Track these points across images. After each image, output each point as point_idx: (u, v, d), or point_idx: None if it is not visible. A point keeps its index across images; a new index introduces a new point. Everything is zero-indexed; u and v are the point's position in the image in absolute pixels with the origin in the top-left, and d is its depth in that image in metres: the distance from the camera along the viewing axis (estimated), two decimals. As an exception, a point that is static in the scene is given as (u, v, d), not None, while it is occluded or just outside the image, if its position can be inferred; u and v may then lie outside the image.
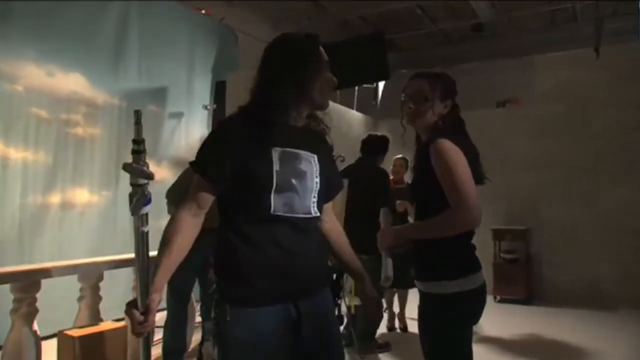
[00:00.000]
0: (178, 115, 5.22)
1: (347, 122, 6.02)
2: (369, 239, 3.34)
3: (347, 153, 3.50)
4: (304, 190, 1.39)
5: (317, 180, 1.42)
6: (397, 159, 4.39)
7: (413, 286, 3.49)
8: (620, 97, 5.40)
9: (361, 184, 3.42)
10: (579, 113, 5.63)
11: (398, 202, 3.93)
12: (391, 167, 4.31)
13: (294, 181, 1.36)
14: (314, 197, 1.41)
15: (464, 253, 1.59)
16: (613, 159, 5.38)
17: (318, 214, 1.43)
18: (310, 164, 1.42)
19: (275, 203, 1.34)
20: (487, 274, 2.03)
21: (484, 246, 1.66)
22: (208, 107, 5.44)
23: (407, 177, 4.34)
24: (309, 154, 1.43)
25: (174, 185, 3.12)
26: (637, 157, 5.24)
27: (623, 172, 5.32)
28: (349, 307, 3.38)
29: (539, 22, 7.28)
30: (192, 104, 5.37)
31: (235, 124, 1.42)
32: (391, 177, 4.10)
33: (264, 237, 1.36)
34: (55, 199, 4.07)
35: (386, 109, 6.63)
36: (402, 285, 4.13)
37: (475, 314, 1.61)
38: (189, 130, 5.31)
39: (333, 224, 1.62)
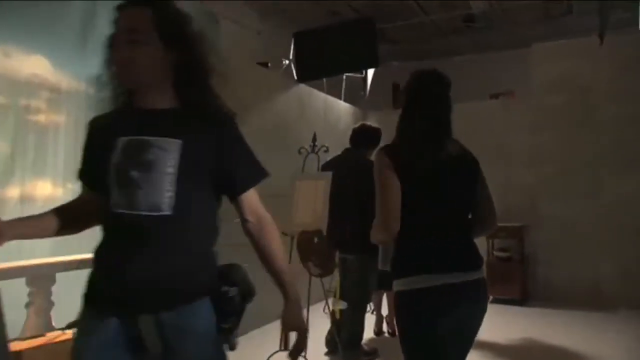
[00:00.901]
0: (153, 103, 4.87)
1: (336, 113, 5.74)
2: (355, 237, 3.07)
3: (335, 144, 3.22)
4: (149, 184, 1.17)
5: (173, 170, 1.18)
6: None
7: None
8: (622, 88, 5.19)
9: (349, 178, 3.11)
10: (579, 105, 5.41)
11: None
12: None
13: (134, 173, 1.18)
14: (168, 190, 1.18)
15: (419, 252, 1.59)
16: (614, 153, 5.18)
17: (169, 213, 1.17)
18: (165, 152, 1.19)
19: (115, 198, 1.19)
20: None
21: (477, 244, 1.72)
22: (186, 95, 5.11)
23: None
24: (168, 139, 1.20)
25: None
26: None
27: (625, 166, 5.12)
28: (333, 312, 3.11)
29: (534, 14, 7.07)
30: (169, 92, 5.02)
31: (98, 117, 1.34)
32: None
33: (107, 237, 1.23)
34: (13, 192, 3.71)
35: (375, 100, 6.37)
36: (391, 286, 3.86)
37: (437, 313, 1.54)
38: (165, 120, 4.97)
39: (258, 225, 1.33)
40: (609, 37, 5.13)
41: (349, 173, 3.13)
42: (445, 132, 1.67)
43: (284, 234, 2.94)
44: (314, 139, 3.01)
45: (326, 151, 2.98)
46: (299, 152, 3.05)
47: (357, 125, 3.47)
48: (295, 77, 4.96)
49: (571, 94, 5.43)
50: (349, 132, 3.56)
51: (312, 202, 2.80)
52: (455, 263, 1.58)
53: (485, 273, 5.72)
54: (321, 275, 2.81)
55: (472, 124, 4.74)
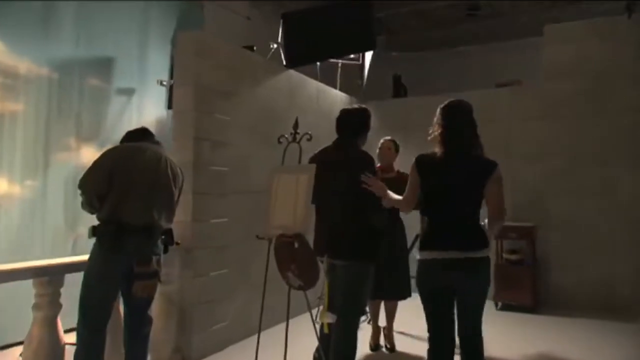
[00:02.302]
0: (128, 92, 4.48)
1: (330, 101, 5.29)
2: (346, 240, 2.64)
3: (328, 136, 2.77)
4: None
5: None
6: (385, 140, 3.68)
7: (403, 297, 3.13)
8: (638, 74, 4.75)
9: (340, 173, 2.65)
10: (592, 93, 5.00)
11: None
12: (377, 151, 3.59)
13: None
14: None
15: (428, 235, 2.21)
16: (631, 144, 4.76)
17: None
18: None
19: None
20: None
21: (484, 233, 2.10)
22: (164, 82, 4.70)
23: (397, 164, 3.64)
24: None
25: (88, 172, 2.34)
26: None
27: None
28: (321, 325, 2.68)
29: (540, 3, 6.67)
30: (146, 79, 4.63)
31: None
32: (378, 165, 3.31)
33: None
34: (-38, 189, 3.31)
35: (372, 90, 5.95)
36: (390, 295, 3.44)
37: (424, 283, 2.20)
38: (141, 110, 4.58)
39: None
40: (623, 19, 4.70)
41: (342, 166, 2.68)
42: (467, 148, 2.13)
43: (258, 237, 2.51)
44: (296, 126, 2.56)
45: (309, 139, 2.53)
46: (279, 142, 2.61)
47: (338, 113, 2.96)
48: (284, 63, 4.52)
49: (585, 79, 5.02)
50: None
51: (292, 201, 2.37)
52: (451, 244, 2.10)
53: (494, 277, 5.23)
54: (302, 288, 2.38)
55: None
